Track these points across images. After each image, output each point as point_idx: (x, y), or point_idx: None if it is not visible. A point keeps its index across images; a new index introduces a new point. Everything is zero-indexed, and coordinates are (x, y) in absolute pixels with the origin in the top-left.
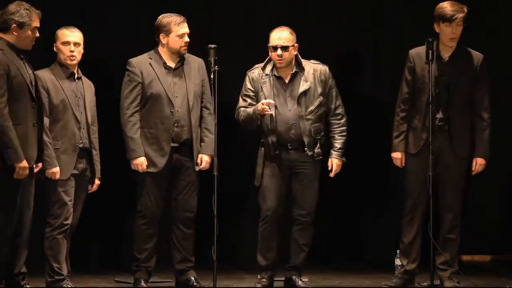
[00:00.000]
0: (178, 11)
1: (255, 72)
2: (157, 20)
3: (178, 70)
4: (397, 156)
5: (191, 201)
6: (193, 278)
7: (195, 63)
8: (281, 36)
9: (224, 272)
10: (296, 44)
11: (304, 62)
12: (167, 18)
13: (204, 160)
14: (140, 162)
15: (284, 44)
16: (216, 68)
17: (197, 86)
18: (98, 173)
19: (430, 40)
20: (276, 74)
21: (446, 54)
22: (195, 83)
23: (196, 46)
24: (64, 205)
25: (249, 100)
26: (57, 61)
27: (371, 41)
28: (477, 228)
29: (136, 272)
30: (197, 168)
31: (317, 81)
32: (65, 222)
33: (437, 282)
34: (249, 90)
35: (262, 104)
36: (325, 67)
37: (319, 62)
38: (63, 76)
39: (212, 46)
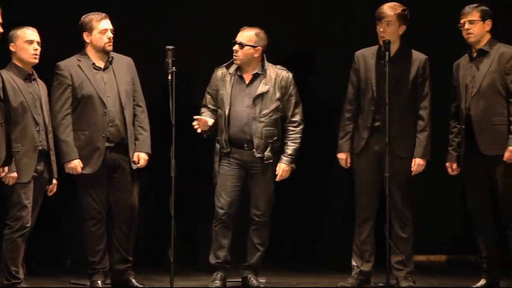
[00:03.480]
0: (135, 12)
1: (220, 70)
2: (80, 20)
3: (108, 70)
4: (341, 156)
5: (130, 200)
6: (133, 280)
7: (123, 62)
8: (243, 33)
9: (182, 273)
10: (258, 47)
11: (269, 66)
12: (88, 17)
13: (141, 157)
14: (75, 165)
15: (242, 41)
16: (174, 70)
17: (128, 84)
18: (55, 174)
19: (387, 41)
20: (239, 74)
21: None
22: (125, 81)
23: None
24: (24, 208)
25: (209, 97)
26: (13, 62)
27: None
28: (433, 229)
29: (92, 276)
30: (134, 166)
31: (277, 86)
32: (26, 225)
33: (393, 281)
34: (212, 88)
35: (196, 119)
36: (289, 74)
37: (284, 69)
38: (20, 77)
39: (170, 47)
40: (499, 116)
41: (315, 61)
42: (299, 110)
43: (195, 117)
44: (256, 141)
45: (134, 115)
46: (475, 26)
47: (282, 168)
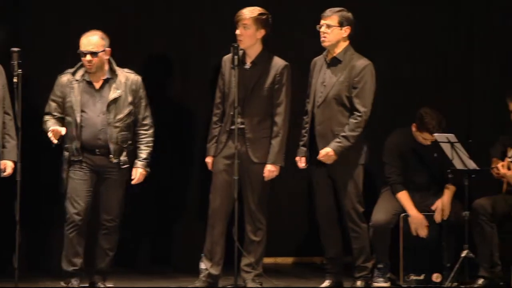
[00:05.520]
0: None
1: (65, 77)
2: None
3: None
4: (208, 160)
5: None
6: None
7: None
8: (90, 41)
9: (27, 279)
10: (107, 49)
11: (118, 70)
12: None
13: (8, 166)
14: None
15: (93, 50)
16: (20, 72)
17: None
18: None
19: (236, 45)
20: (87, 79)
21: (248, 60)
22: None
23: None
24: None
25: (53, 104)
26: None
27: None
28: (280, 232)
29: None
30: (1, 175)
31: (128, 90)
32: None
33: (241, 284)
34: (56, 95)
35: (50, 130)
36: (138, 77)
37: (132, 72)
38: None
39: (15, 49)
40: (341, 126)
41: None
42: (149, 113)
43: (51, 128)
44: (112, 146)
45: (3, 123)
46: (331, 31)
47: (140, 172)
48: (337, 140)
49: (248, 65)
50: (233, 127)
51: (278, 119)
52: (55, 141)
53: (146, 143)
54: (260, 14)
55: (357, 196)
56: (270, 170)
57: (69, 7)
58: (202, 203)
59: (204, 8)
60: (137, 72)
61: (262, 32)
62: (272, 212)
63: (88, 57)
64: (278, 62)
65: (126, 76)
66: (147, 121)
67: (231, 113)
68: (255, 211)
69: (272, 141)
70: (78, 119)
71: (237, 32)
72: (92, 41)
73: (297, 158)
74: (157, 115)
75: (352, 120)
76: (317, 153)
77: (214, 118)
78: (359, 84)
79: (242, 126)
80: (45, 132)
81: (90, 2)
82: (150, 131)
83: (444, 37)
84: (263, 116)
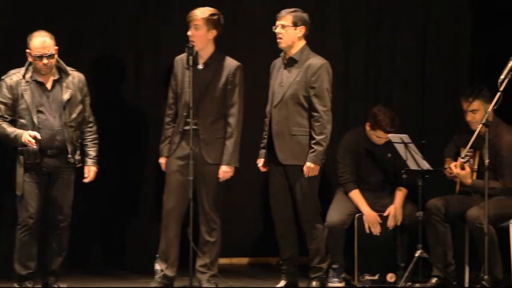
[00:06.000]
0: None
1: (14, 78)
2: None
3: None
4: (161, 161)
5: None
6: None
7: None
8: (44, 44)
9: None
10: (56, 47)
11: (66, 69)
12: None
13: None
14: None
15: (49, 53)
16: None
17: None
18: None
19: (191, 46)
20: (38, 80)
21: (201, 61)
22: None
23: None
24: None
25: (3, 107)
26: None
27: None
28: (235, 232)
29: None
30: None
31: (77, 89)
32: None
33: (196, 285)
34: (6, 98)
35: (29, 135)
36: (81, 74)
37: (75, 70)
38: None
39: None
40: (298, 127)
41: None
42: (90, 110)
43: (32, 134)
44: (69, 146)
45: None
46: (286, 31)
47: (93, 170)
48: (311, 150)
49: (201, 65)
50: (186, 127)
51: (232, 120)
52: (35, 146)
53: (93, 140)
54: (211, 15)
55: (313, 197)
56: (224, 171)
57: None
58: (157, 203)
59: (156, 8)
60: (88, 72)
61: (213, 33)
62: (228, 212)
63: (45, 60)
64: (230, 63)
65: (73, 75)
66: (91, 118)
67: (184, 113)
68: (209, 212)
69: (226, 142)
70: (36, 121)
71: (189, 33)
72: (46, 43)
73: (258, 161)
74: (110, 115)
75: (315, 124)
76: (274, 152)
77: (167, 119)
78: (316, 83)
79: (195, 127)
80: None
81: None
82: (95, 128)
83: (397, 36)
84: (216, 117)
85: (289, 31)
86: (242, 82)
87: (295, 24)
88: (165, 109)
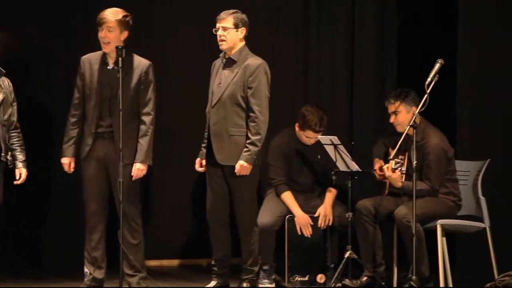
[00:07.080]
0: None
1: None
2: None
3: None
4: (64, 161)
5: None
6: None
7: None
8: None
9: None
10: None
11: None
12: None
13: None
14: None
15: None
16: None
17: None
18: None
19: (120, 47)
20: None
21: (111, 61)
22: None
23: None
24: None
25: None
26: None
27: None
28: (165, 234)
29: None
30: None
31: (8, 92)
32: None
33: (125, 287)
34: None
35: None
36: (8, 80)
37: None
38: None
39: None
40: (236, 127)
41: None
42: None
43: None
44: (3, 146)
45: None
46: (228, 33)
47: (25, 172)
48: (245, 149)
49: (110, 65)
50: (100, 129)
51: (146, 118)
52: None
53: (21, 145)
54: (124, 17)
55: (251, 199)
56: (139, 169)
57: None
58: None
59: (71, 6)
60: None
61: (125, 34)
62: (158, 213)
63: None
64: (142, 62)
65: (2, 79)
66: (18, 124)
67: (96, 115)
68: (130, 213)
69: (141, 140)
70: None
71: (101, 35)
72: None
73: (197, 160)
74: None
75: (251, 124)
76: (213, 153)
77: (72, 119)
78: (253, 83)
79: (110, 129)
80: None
81: None
82: (18, 130)
83: (326, 36)
84: (132, 117)
85: (231, 33)
86: (155, 80)
87: (236, 26)
88: (70, 109)
